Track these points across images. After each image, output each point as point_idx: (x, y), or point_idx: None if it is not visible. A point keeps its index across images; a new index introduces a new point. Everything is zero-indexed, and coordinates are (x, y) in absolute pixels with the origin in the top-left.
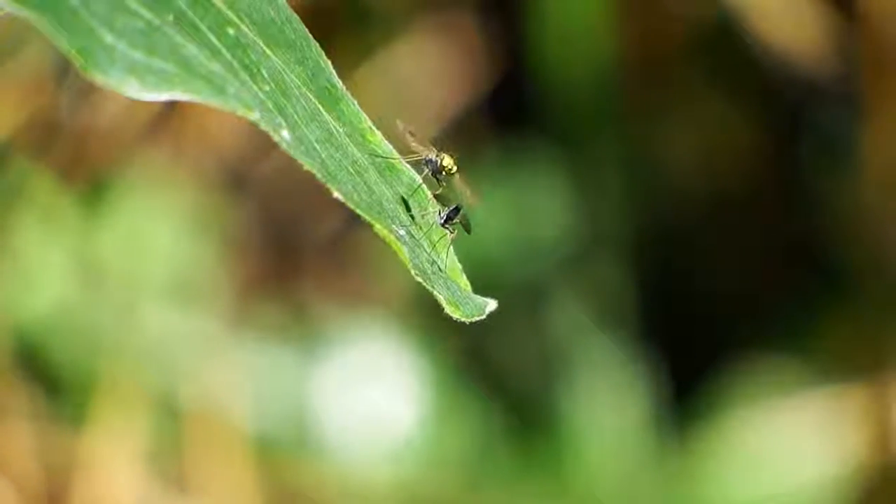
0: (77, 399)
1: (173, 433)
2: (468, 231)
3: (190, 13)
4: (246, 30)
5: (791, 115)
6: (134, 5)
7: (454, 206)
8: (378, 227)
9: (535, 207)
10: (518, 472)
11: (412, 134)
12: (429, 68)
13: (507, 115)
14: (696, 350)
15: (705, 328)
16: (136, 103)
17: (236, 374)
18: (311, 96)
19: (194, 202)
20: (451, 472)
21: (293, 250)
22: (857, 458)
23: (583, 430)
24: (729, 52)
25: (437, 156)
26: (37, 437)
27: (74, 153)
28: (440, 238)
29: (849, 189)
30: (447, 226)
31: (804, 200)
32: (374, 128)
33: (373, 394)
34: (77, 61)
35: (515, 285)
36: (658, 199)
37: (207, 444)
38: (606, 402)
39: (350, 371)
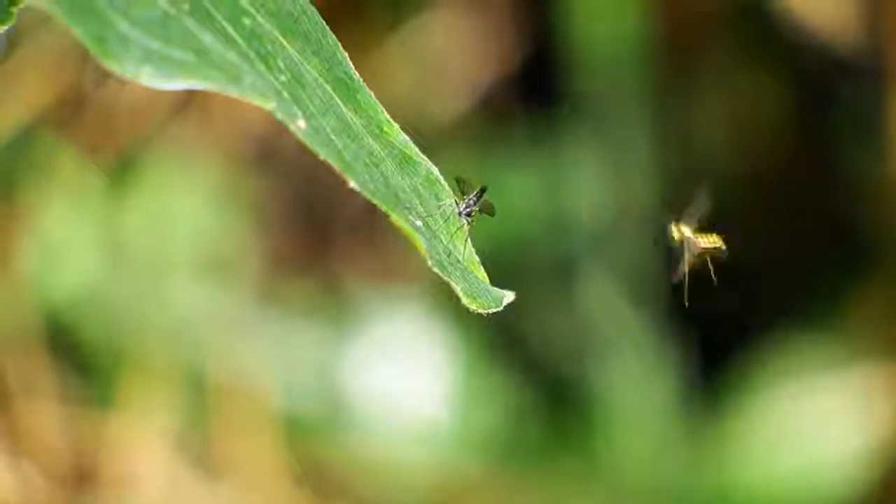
0: (105, 378)
1: (202, 411)
2: (492, 213)
3: (206, 2)
4: (261, 20)
5: (821, 89)
6: None
7: (472, 197)
8: (394, 216)
9: (565, 184)
10: (547, 449)
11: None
12: (459, 43)
13: (537, 90)
14: (727, 327)
15: (735, 305)
16: None
17: (265, 352)
18: (327, 87)
19: (222, 178)
20: (480, 449)
21: (323, 226)
22: (887, 436)
23: (613, 408)
24: (759, 26)
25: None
26: (65, 417)
27: (101, 130)
28: (457, 229)
29: (879, 164)
30: (464, 217)
31: (834, 175)
32: (391, 120)
33: (402, 371)
34: (93, 50)
35: (546, 263)
36: (688, 175)
37: (236, 422)
38: (637, 380)
39: (380, 348)
